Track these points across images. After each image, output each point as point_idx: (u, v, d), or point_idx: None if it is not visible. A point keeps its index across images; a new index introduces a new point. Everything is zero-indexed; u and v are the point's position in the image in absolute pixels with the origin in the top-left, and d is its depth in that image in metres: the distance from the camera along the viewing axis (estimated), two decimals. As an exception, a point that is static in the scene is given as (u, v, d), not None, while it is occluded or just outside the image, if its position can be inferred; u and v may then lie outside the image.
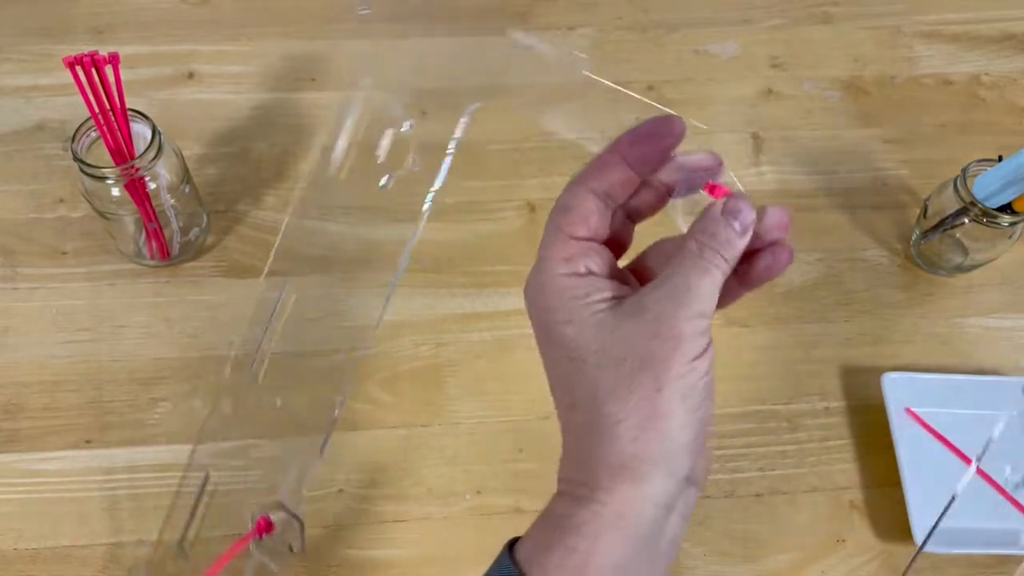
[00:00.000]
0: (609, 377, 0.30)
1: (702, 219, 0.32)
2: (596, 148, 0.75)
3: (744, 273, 0.34)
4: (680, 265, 0.32)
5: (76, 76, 0.51)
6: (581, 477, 0.31)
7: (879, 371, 0.58)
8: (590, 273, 0.32)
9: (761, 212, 0.33)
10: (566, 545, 0.30)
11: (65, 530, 0.53)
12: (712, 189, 0.34)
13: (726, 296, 0.33)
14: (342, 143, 0.47)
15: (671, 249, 0.34)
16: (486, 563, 0.33)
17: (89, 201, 0.56)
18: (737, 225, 0.32)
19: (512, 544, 0.33)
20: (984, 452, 0.36)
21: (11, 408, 0.56)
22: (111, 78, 0.52)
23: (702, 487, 0.32)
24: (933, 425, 0.58)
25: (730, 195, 0.33)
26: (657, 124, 0.33)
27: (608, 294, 0.32)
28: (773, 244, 0.34)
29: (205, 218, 0.62)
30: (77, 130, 0.54)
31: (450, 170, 0.68)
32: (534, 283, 0.33)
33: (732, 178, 0.36)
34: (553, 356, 0.33)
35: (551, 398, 0.58)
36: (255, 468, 0.55)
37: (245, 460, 0.55)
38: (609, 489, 0.30)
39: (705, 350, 0.31)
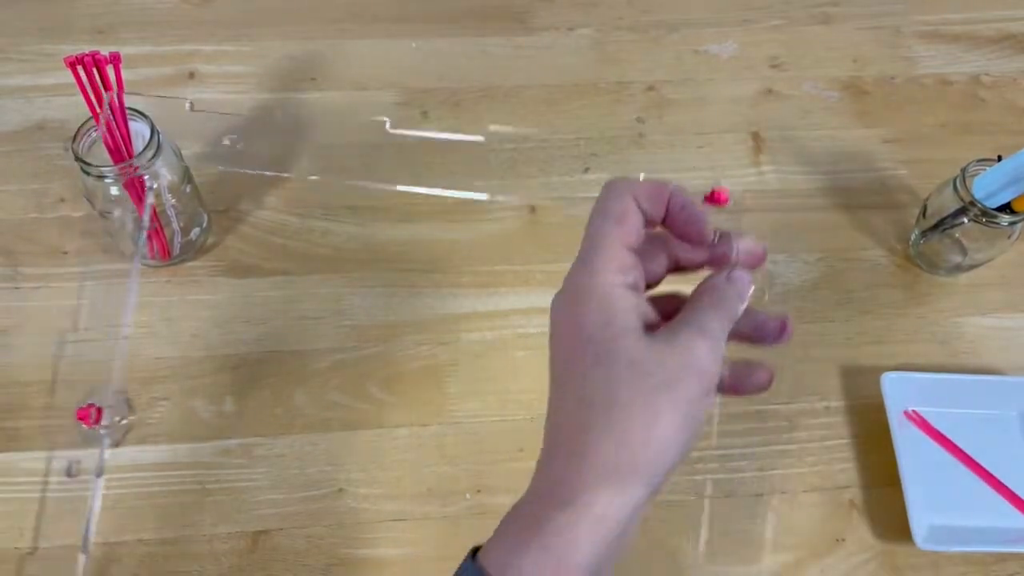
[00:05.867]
0: (633, 387, 0.32)
1: (712, 286, 0.35)
2: (595, 148, 0.75)
3: (726, 383, 0.37)
4: (700, 310, 0.34)
5: (77, 76, 0.51)
6: (566, 477, 0.32)
7: (879, 371, 0.58)
8: (635, 288, 0.34)
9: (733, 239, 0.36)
10: (543, 547, 0.32)
11: (66, 529, 0.53)
12: (713, 197, 0.37)
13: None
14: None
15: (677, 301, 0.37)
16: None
17: (90, 201, 0.56)
18: (740, 296, 0.35)
19: (476, 551, 0.34)
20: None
21: (11, 408, 0.56)
22: (112, 78, 0.52)
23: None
24: (933, 425, 0.58)
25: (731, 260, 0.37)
26: (703, 233, 0.35)
27: (649, 314, 0.34)
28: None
29: (206, 218, 0.62)
30: (78, 130, 0.54)
31: (450, 170, 0.68)
32: (580, 282, 0.34)
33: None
34: (578, 357, 0.33)
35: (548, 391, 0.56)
36: (256, 467, 0.55)
37: (247, 459, 0.56)
38: (595, 491, 0.32)
39: (713, 389, 0.33)
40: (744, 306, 0.35)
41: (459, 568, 0.33)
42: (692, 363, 0.33)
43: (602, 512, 0.32)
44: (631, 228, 0.34)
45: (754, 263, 0.37)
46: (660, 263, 0.37)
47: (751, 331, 0.37)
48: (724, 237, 0.37)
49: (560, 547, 0.31)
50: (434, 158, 0.68)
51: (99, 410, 0.48)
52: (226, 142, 0.53)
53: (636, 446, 0.32)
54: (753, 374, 0.37)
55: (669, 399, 0.32)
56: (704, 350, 0.33)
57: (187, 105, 0.47)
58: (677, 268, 0.37)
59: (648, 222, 0.35)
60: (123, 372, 0.48)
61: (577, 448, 0.32)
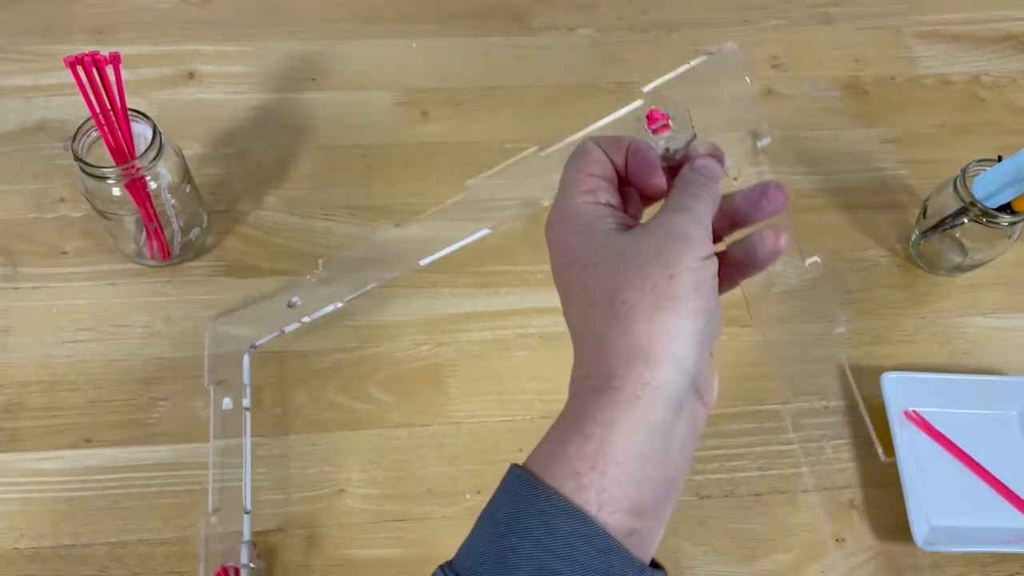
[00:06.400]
0: (626, 271, 0.33)
1: (681, 177, 0.37)
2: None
3: (743, 259, 0.37)
4: (674, 196, 0.36)
5: (77, 76, 0.51)
6: (595, 369, 0.33)
7: (879, 371, 0.58)
8: (608, 204, 0.36)
9: (764, 194, 0.37)
10: (582, 434, 0.31)
11: (65, 529, 0.53)
12: (651, 119, 0.41)
13: (725, 280, 0.36)
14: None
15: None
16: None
17: (90, 201, 0.56)
18: (710, 176, 0.36)
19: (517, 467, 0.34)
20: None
21: (12, 408, 0.56)
22: (112, 78, 0.52)
23: (709, 406, 0.34)
24: (933, 425, 0.58)
25: (694, 158, 0.38)
26: (654, 182, 0.37)
27: (623, 221, 0.35)
28: (772, 229, 0.38)
29: (205, 218, 0.62)
30: (78, 130, 0.54)
31: (450, 170, 0.68)
32: (557, 211, 0.36)
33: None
34: (571, 271, 0.35)
35: (548, 391, 0.57)
36: (256, 467, 0.55)
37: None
38: (623, 375, 0.32)
39: (710, 256, 0.34)
40: (720, 186, 0.36)
41: (503, 480, 0.33)
42: (673, 233, 0.33)
43: (635, 392, 0.31)
44: (594, 159, 0.37)
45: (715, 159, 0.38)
46: (635, 203, 0.39)
47: (736, 209, 0.37)
48: (678, 151, 0.38)
49: (599, 432, 0.31)
50: (434, 158, 0.68)
51: (236, 570, 0.49)
52: (296, 300, 0.57)
53: (647, 326, 0.32)
54: (763, 239, 0.37)
55: (663, 273, 0.32)
56: (684, 220, 0.34)
57: None
58: (648, 198, 0.39)
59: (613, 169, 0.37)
60: (250, 528, 0.50)
61: (599, 346, 0.33)
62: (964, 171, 0.59)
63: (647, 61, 0.74)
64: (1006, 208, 0.58)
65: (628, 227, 0.35)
